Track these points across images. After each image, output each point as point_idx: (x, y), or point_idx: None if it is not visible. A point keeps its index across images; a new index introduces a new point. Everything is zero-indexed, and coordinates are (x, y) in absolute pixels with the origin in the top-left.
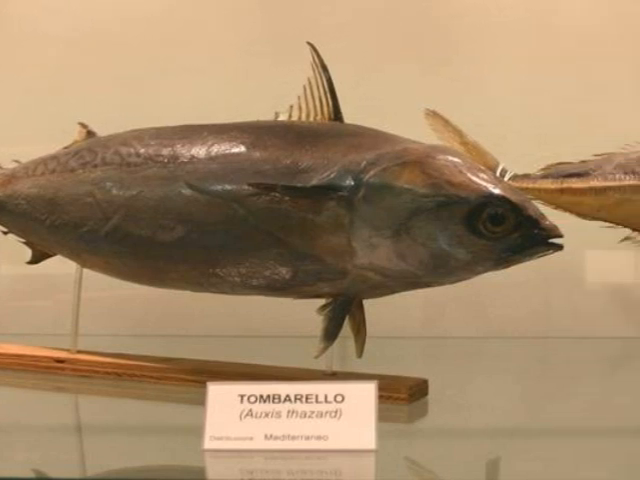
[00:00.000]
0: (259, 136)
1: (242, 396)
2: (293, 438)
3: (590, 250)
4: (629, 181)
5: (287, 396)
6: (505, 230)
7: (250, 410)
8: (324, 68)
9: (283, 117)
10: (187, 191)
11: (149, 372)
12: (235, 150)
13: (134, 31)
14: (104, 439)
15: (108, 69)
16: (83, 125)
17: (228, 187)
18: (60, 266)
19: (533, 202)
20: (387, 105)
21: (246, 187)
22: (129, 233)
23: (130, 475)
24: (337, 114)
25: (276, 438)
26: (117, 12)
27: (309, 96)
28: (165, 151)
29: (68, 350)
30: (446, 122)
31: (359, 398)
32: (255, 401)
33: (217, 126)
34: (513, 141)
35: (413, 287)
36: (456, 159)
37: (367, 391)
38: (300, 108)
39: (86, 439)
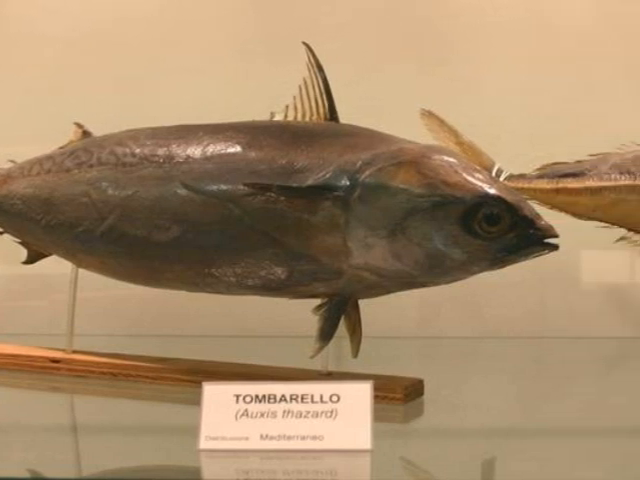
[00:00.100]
0: (255, 136)
1: (238, 396)
2: (289, 438)
3: (586, 250)
4: (624, 181)
5: (283, 396)
6: (501, 230)
7: (246, 410)
8: (319, 68)
9: (279, 117)
10: (183, 191)
11: (145, 372)
12: (231, 150)
13: (129, 31)
14: (100, 439)
15: (104, 69)
16: (79, 125)
17: (224, 187)
18: (56, 266)
19: (529, 202)
20: (383, 105)
21: (242, 187)
22: (125, 233)
23: (126, 475)
24: (333, 114)
25: (272, 438)
26: (112, 13)
27: (305, 96)
28: (161, 151)
29: (64, 350)
30: (442, 122)
31: (355, 398)
32: (251, 401)
33: (213, 126)
34: (509, 141)
35: (409, 287)
36: (452, 159)
37: (363, 391)
38: (296, 108)
39: (82, 439)
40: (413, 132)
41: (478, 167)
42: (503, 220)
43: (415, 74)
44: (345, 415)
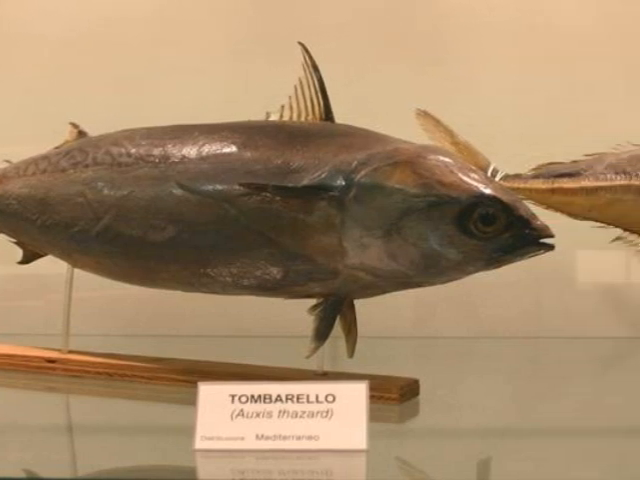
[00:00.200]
0: (250, 136)
1: (233, 396)
2: (284, 438)
3: (581, 250)
4: (620, 181)
5: (278, 396)
6: (496, 230)
7: (241, 410)
8: (315, 68)
9: (274, 117)
10: (178, 191)
11: (140, 372)
12: (226, 150)
13: (125, 31)
14: (95, 439)
15: (99, 70)
16: (74, 125)
17: (219, 187)
18: (51, 266)
19: (524, 202)
20: (378, 105)
21: (237, 187)
22: (120, 233)
23: (121, 475)
24: (328, 114)
25: (267, 438)
26: (107, 12)
27: (300, 96)
28: (156, 151)
29: (59, 350)
30: (437, 122)
31: (350, 398)
32: (246, 401)
33: (208, 126)
34: (504, 141)
35: (404, 287)
36: (447, 159)
37: (358, 391)
38: (291, 108)
39: (77, 439)
40: (408, 132)
41: (474, 167)
42: (499, 220)
43: (411, 74)
44: (341, 415)
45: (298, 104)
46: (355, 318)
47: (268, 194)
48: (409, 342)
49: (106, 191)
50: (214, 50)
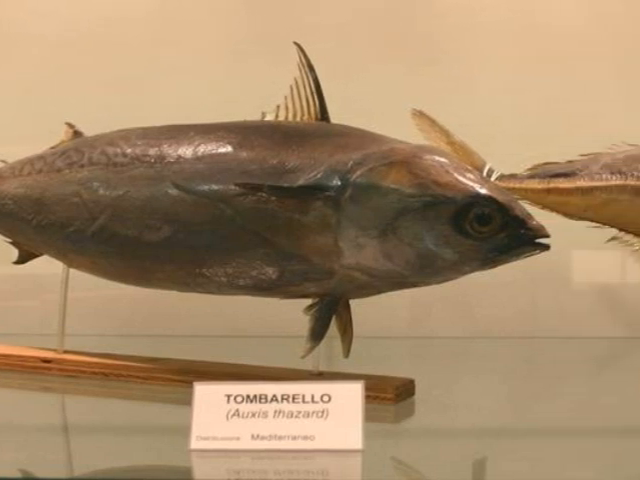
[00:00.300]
0: (246, 136)
1: (229, 396)
2: (280, 438)
3: (577, 250)
4: (616, 181)
5: (274, 396)
6: (492, 230)
7: (237, 410)
8: (311, 68)
9: (270, 117)
10: (174, 191)
11: (136, 372)
12: (222, 150)
13: (120, 32)
14: (91, 439)
15: (95, 69)
16: (70, 125)
17: (215, 187)
18: (47, 266)
19: (520, 202)
20: (374, 105)
21: (233, 187)
22: (116, 233)
23: (117, 475)
24: (324, 114)
25: (263, 438)
26: (103, 12)
27: (296, 96)
28: (152, 151)
29: (55, 350)
30: (433, 122)
31: (346, 398)
32: (242, 401)
33: (204, 126)
34: (500, 141)
35: (400, 287)
36: (443, 159)
37: (354, 391)
38: (287, 108)
39: (73, 439)
40: (404, 132)
41: (469, 167)
42: (494, 220)
43: (406, 74)
44: (336, 415)
45: (294, 104)
46: (351, 318)
47: (264, 194)
48: (405, 342)
49: (102, 191)
50: (209, 50)
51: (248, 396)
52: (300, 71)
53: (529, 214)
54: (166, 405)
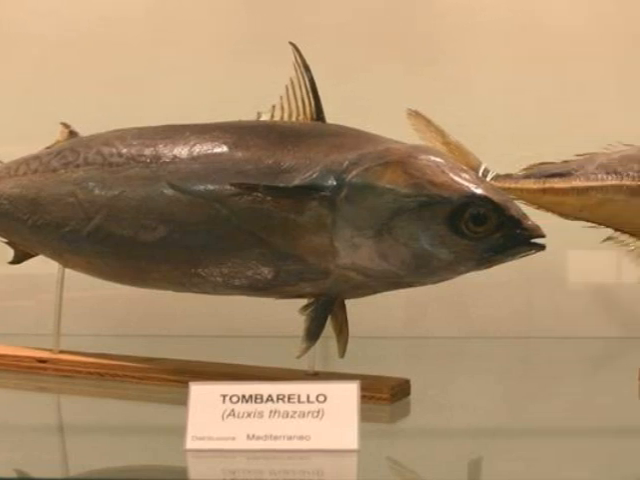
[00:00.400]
0: (241, 136)
1: (224, 396)
2: (275, 438)
3: (572, 250)
4: (611, 181)
5: (269, 396)
6: (487, 230)
7: (232, 410)
8: (306, 68)
9: (265, 117)
10: (169, 191)
11: (131, 372)
12: (217, 150)
13: (116, 31)
14: (86, 439)
15: (91, 69)
16: (65, 125)
17: (210, 187)
18: (42, 266)
19: (515, 202)
20: (369, 105)
21: (228, 187)
22: (111, 233)
23: (112, 475)
24: (319, 114)
25: (258, 438)
26: (99, 12)
27: (291, 96)
28: (147, 151)
29: (50, 350)
30: (428, 122)
31: (341, 398)
32: (237, 401)
33: (199, 126)
34: (495, 141)
35: (395, 287)
36: (438, 159)
37: (349, 391)
38: (282, 108)
39: (68, 439)
40: (400, 132)
41: (465, 167)
42: (490, 220)
43: (402, 74)
44: (332, 415)
45: (289, 104)
46: (346, 318)
47: (259, 194)
48: (400, 342)
49: (97, 191)
50: (204, 50)
51: (244, 396)
52: (296, 71)
53: (525, 214)
54: (162, 405)
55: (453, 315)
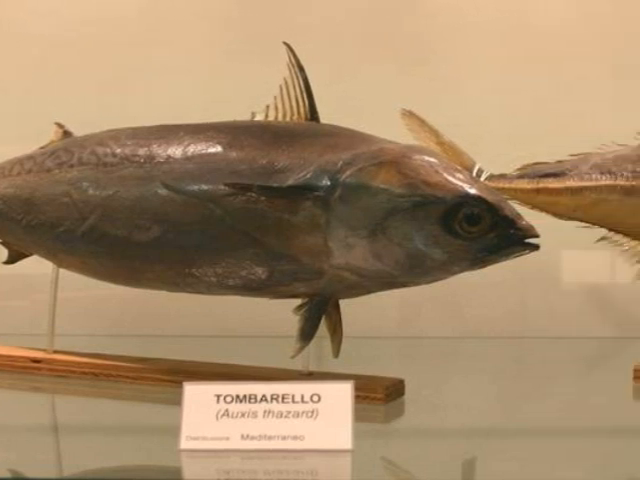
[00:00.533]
0: (235, 136)
1: (218, 396)
2: (269, 438)
3: (566, 250)
4: (605, 181)
5: (263, 396)
6: (481, 230)
7: (226, 410)
8: (300, 68)
9: (259, 117)
10: (163, 191)
11: (125, 372)
12: (211, 150)
13: (110, 31)
14: (80, 439)
15: (85, 69)
16: (59, 125)
17: (204, 187)
18: (36, 266)
19: (509, 202)
20: (363, 105)
21: (222, 187)
22: (105, 233)
23: (106, 475)
24: (313, 114)
25: (252, 438)
26: (93, 12)
27: (285, 96)
28: (141, 151)
29: (44, 350)
30: (422, 122)
31: (335, 398)
32: (231, 401)
33: (193, 126)
34: (489, 141)
35: (389, 287)
36: (432, 159)
37: (343, 391)
38: (276, 108)
39: (62, 439)
40: (394, 132)
41: (459, 167)
42: (484, 220)
43: (396, 74)
44: (326, 415)
45: (283, 104)
46: (340, 318)
47: (253, 194)
48: (394, 342)
49: (91, 191)
50: (199, 50)
51: (238, 396)
52: (290, 71)
53: (518, 214)
54: (156, 405)
55: (447, 315)
